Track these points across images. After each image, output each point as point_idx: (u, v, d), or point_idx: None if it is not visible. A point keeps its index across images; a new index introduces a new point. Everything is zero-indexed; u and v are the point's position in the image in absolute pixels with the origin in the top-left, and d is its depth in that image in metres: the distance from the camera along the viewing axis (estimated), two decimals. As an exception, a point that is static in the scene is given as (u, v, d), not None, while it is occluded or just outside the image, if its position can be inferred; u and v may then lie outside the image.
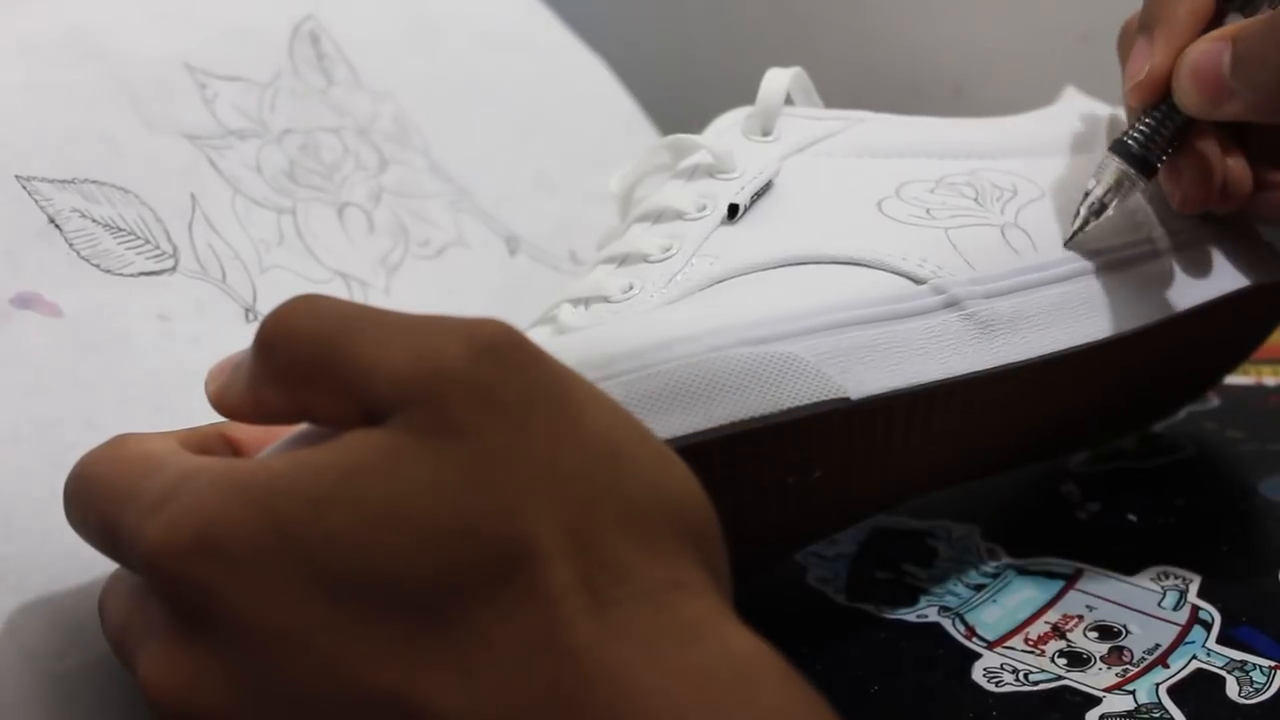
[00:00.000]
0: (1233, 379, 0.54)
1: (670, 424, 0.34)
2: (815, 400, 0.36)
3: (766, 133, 0.44)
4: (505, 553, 0.26)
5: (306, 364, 0.28)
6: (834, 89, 0.48)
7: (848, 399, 0.36)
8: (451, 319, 0.28)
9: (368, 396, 0.27)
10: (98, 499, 0.30)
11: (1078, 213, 0.42)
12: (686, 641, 0.26)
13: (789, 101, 0.45)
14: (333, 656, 0.26)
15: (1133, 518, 0.46)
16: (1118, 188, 0.42)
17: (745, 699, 0.25)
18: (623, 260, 0.41)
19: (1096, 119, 0.48)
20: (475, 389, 0.27)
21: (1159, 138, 0.41)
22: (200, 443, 0.33)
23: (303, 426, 0.31)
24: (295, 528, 0.26)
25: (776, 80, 0.44)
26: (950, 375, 0.38)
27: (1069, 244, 0.42)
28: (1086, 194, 0.42)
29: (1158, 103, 0.42)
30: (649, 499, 0.27)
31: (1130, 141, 0.42)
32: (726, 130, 0.44)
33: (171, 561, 0.26)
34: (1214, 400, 0.54)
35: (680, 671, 0.25)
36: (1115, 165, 0.42)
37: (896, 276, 0.39)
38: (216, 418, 0.34)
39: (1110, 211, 0.42)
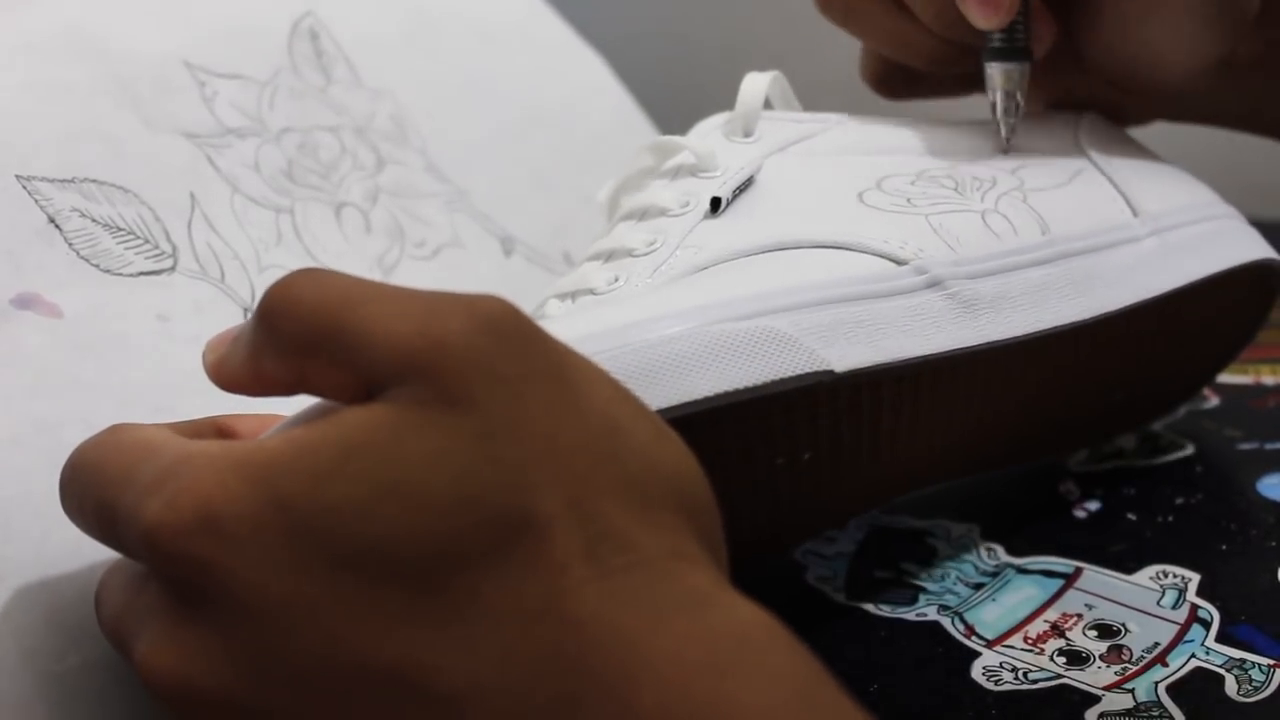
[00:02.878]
0: (1232, 378, 0.54)
1: (654, 397, 0.34)
2: (799, 373, 0.36)
3: (747, 134, 0.44)
4: (507, 524, 0.26)
5: (308, 334, 0.29)
6: (834, 89, 0.49)
7: (832, 372, 0.36)
8: (453, 294, 0.28)
9: (368, 367, 0.28)
10: (95, 485, 0.30)
11: (999, 125, 0.46)
12: (691, 608, 0.26)
13: (768, 105, 0.46)
14: (333, 631, 0.26)
15: (1132, 517, 0.47)
16: (1012, 84, 0.46)
17: (753, 664, 0.25)
18: (608, 256, 0.41)
19: (1072, 120, 0.48)
20: (475, 362, 0.27)
21: (1015, 25, 0.45)
22: (195, 434, 0.33)
23: (296, 412, 0.31)
24: (296, 502, 0.26)
25: (755, 84, 0.45)
26: (934, 351, 0.39)
27: (1009, 150, 0.46)
28: (993, 106, 0.46)
29: None
30: (646, 472, 0.28)
31: (998, 44, 0.46)
32: (708, 133, 0.45)
33: (171, 540, 0.27)
34: (1213, 399, 0.54)
35: (687, 637, 0.25)
36: (1000, 69, 0.46)
37: (878, 258, 0.40)
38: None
39: (1021, 105, 0.46)
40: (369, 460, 0.26)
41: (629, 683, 0.25)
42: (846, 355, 0.37)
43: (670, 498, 0.28)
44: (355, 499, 0.26)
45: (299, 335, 0.29)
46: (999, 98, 0.46)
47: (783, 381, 0.36)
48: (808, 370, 0.36)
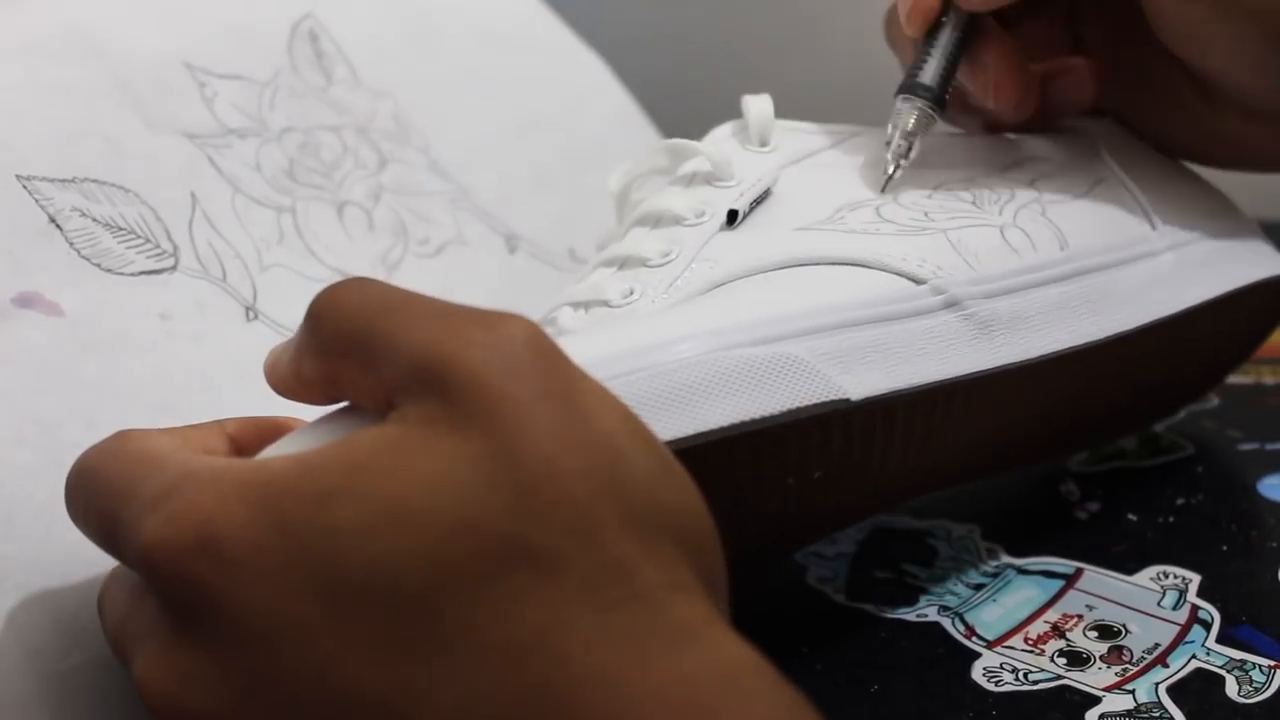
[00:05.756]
0: (1232, 378, 0.54)
1: (669, 425, 0.34)
2: (816, 401, 0.36)
3: (763, 144, 0.44)
4: (503, 550, 0.26)
5: (343, 337, 0.29)
6: (835, 87, 0.49)
7: (848, 400, 0.36)
8: (479, 311, 0.28)
9: (389, 375, 0.28)
10: (98, 495, 0.30)
11: (887, 161, 0.43)
12: (679, 645, 0.26)
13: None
14: (325, 657, 0.26)
15: (1133, 517, 0.47)
16: (917, 126, 0.43)
17: (738, 706, 0.25)
18: (622, 264, 0.41)
19: (1091, 130, 0.48)
20: (486, 381, 0.27)
21: (941, 66, 0.43)
22: (201, 440, 0.33)
23: (304, 425, 0.31)
24: (297, 525, 0.26)
25: (760, 100, 0.44)
26: (950, 375, 0.38)
27: (885, 190, 0.43)
28: (888, 143, 0.43)
29: (932, 31, 0.43)
30: (647, 503, 0.27)
31: (917, 78, 0.43)
32: (724, 141, 0.44)
33: (168, 559, 0.27)
34: (1214, 400, 0.54)
35: (673, 677, 0.25)
36: (909, 106, 0.43)
37: (897, 277, 0.39)
38: (217, 416, 0.34)
39: (915, 152, 0.43)
40: (373, 483, 0.26)
41: None
42: (863, 382, 0.37)
43: (670, 530, 0.27)
44: (356, 521, 0.26)
45: (335, 337, 0.29)
46: (895, 136, 0.43)
47: (799, 410, 0.35)
48: (824, 399, 0.36)
